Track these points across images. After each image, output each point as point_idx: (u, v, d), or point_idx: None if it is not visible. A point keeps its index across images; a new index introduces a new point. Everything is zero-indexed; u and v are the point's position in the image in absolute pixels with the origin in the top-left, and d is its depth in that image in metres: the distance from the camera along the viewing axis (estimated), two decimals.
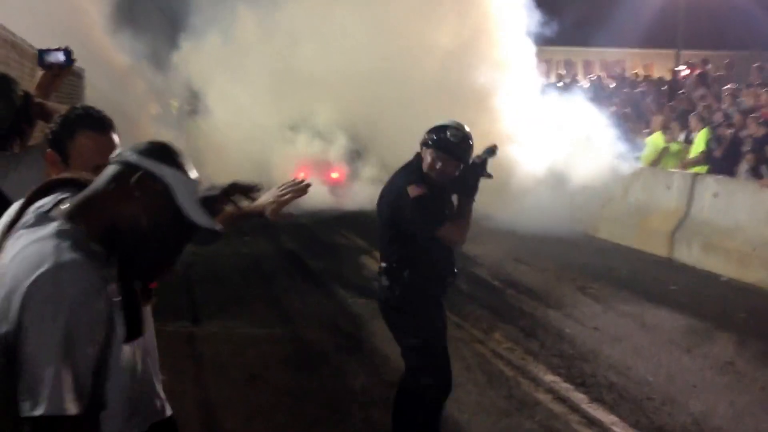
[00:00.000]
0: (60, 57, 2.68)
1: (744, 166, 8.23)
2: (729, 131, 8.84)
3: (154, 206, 1.39)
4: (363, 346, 5.45)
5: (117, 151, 1.48)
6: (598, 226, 9.62)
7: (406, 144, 12.08)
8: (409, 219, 3.23)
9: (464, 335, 5.63)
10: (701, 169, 9.15)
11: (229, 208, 2.12)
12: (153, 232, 1.40)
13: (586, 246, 9.14)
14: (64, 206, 1.40)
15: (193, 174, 1.46)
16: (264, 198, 2.41)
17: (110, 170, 1.42)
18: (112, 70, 11.32)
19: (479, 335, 5.65)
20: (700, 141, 9.28)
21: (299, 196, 2.47)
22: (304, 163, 12.42)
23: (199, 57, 12.46)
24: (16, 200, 1.59)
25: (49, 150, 2.00)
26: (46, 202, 1.44)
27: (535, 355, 5.20)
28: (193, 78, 12.60)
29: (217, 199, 1.92)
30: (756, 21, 19.32)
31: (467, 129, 3.32)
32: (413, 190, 3.20)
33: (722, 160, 8.75)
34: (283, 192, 2.42)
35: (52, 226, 1.34)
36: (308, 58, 12.21)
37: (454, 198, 3.41)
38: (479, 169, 3.29)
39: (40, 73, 2.69)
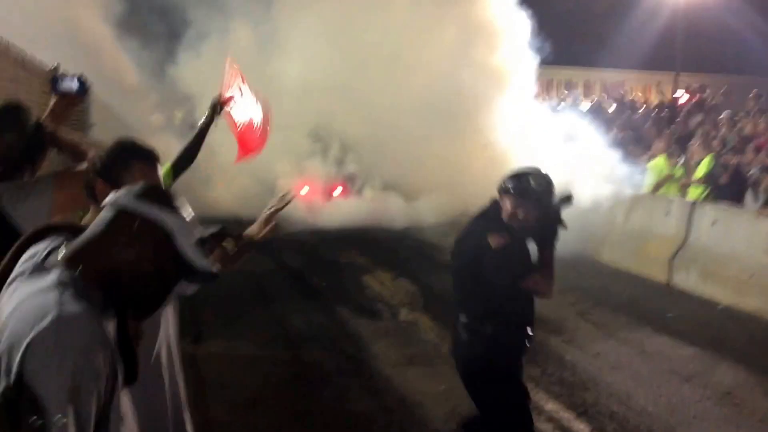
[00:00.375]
0: (74, 85, 2.62)
1: (750, 195, 8.30)
2: (734, 160, 8.93)
3: (153, 252, 1.41)
4: (365, 369, 5.48)
5: (111, 195, 1.47)
6: (598, 249, 9.68)
7: (400, 159, 12.14)
8: (493, 270, 3.04)
9: None
10: (700, 190, 9.30)
11: (218, 252, 2.23)
12: (151, 276, 1.43)
13: (586, 270, 9.18)
14: (61, 254, 1.41)
15: (189, 215, 1.49)
16: (253, 228, 2.49)
17: (107, 215, 1.42)
18: (116, 81, 11.34)
19: None
20: (703, 167, 9.39)
21: (283, 208, 2.55)
22: (306, 180, 12.50)
23: (199, 69, 12.51)
24: (26, 229, 1.62)
25: (99, 180, 2.01)
26: (38, 250, 1.45)
27: (537, 382, 5.23)
28: (193, 90, 12.64)
29: (208, 240, 2.03)
30: (752, 47, 19.63)
31: (548, 175, 3.20)
32: (495, 240, 3.03)
33: (727, 188, 8.84)
34: (268, 215, 2.49)
35: (51, 277, 1.34)
36: (298, 72, 12.33)
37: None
38: (556, 216, 3.13)
39: (53, 100, 2.63)
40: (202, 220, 1.55)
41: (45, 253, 1.43)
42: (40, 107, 4.87)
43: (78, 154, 2.40)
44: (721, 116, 10.83)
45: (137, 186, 1.47)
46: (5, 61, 4.40)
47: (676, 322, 6.92)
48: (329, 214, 11.89)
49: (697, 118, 11.78)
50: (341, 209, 12.13)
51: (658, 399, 5.04)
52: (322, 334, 6.28)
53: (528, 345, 3.29)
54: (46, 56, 5.80)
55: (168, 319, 2.35)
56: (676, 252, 8.38)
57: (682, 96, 14.19)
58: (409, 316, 6.89)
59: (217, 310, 6.67)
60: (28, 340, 1.24)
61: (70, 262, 1.38)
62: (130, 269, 1.40)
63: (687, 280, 8.11)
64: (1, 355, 1.27)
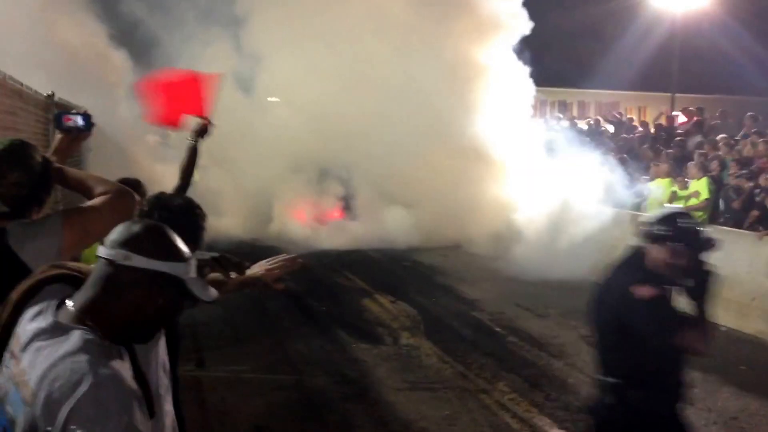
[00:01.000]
0: (79, 121, 2.58)
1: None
2: (748, 184, 8.95)
3: (163, 298, 1.48)
4: (368, 394, 5.45)
5: (114, 245, 1.46)
6: (600, 272, 9.67)
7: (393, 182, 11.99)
8: (642, 324, 2.75)
9: (469, 385, 5.64)
10: (701, 215, 9.30)
11: (216, 276, 2.29)
12: (160, 314, 1.50)
13: (587, 293, 9.16)
14: (70, 310, 1.44)
15: (188, 252, 1.53)
16: (255, 269, 2.55)
17: (111, 271, 1.44)
18: (109, 105, 11.32)
19: (484, 385, 5.66)
20: (703, 189, 9.44)
21: (290, 269, 2.64)
22: (304, 204, 12.52)
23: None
24: (34, 268, 1.63)
25: None
26: (43, 306, 1.46)
27: (540, 407, 5.21)
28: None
29: (207, 264, 2.07)
30: (745, 67, 19.93)
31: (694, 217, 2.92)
32: (643, 291, 2.74)
33: (738, 213, 8.88)
34: (275, 265, 2.58)
35: (74, 340, 1.36)
36: (291, 99, 12.39)
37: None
38: (705, 260, 2.81)
39: (57, 136, 2.60)
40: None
41: (53, 308, 1.46)
42: (36, 136, 4.87)
43: (85, 191, 2.40)
44: (719, 138, 10.90)
45: (140, 234, 1.48)
46: (2, 93, 4.36)
47: None
48: (327, 237, 11.88)
49: (696, 139, 11.86)
50: (339, 232, 12.11)
51: None
52: (324, 359, 6.24)
53: (679, 409, 2.89)
54: (41, 81, 5.80)
55: (159, 344, 2.36)
56: None
57: (679, 116, 14.28)
58: (411, 340, 6.86)
59: (220, 335, 6.65)
60: (69, 407, 1.27)
61: (87, 320, 1.42)
62: (144, 316, 1.47)
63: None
64: (37, 420, 1.29)
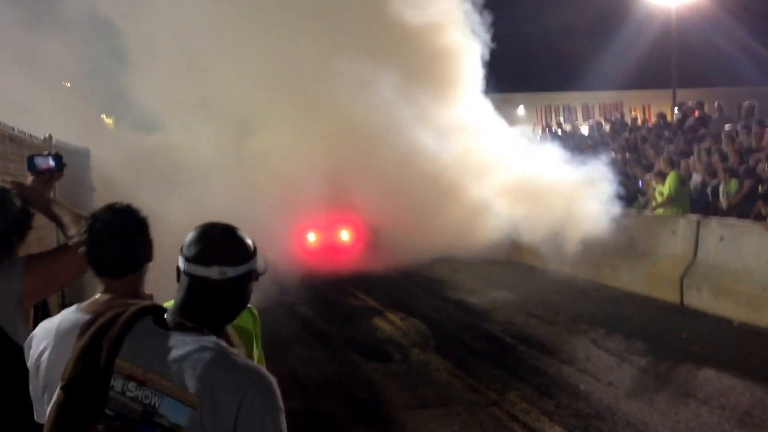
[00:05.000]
0: (50, 162, 2.66)
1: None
2: (749, 180, 8.93)
3: (250, 286, 1.72)
4: (378, 415, 5.46)
5: (203, 262, 1.62)
6: (607, 274, 9.64)
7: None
8: None
9: (479, 398, 5.63)
10: (671, 211, 9.43)
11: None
12: (248, 297, 1.74)
13: (595, 295, 9.14)
14: (183, 322, 1.62)
15: (252, 244, 1.72)
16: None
17: (211, 286, 1.62)
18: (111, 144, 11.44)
19: (494, 397, 5.64)
20: (667, 185, 9.55)
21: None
22: (311, 225, 12.34)
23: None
24: None
25: None
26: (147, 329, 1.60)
27: (551, 416, 5.19)
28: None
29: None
30: (740, 60, 20.02)
31: None
32: None
33: (741, 205, 8.85)
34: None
35: (209, 340, 1.59)
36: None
37: None
38: None
39: (30, 178, 2.66)
40: None
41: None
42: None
43: (60, 226, 2.45)
44: (722, 130, 10.86)
45: (224, 253, 1.64)
46: None
47: (691, 343, 6.85)
48: (341, 265, 11.72)
49: (700, 132, 11.82)
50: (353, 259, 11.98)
51: (676, 425, 4.97)
52: (334, 382, 6.27)
53: None
54: (38, 126, 5.92)
55: None
56: (686, 271, 8.33)
57: (681, 114, 14.23)
58: (421, 357, 6.86)
59: None
60: (239, 401, 1.49)
61: (204, 329, 1.61)
62: (241, 308, 1.72)
63: (700, 299, 8.04)
64: (202, 396, 1.49)
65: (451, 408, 5.46)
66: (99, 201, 8.43)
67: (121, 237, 1.97)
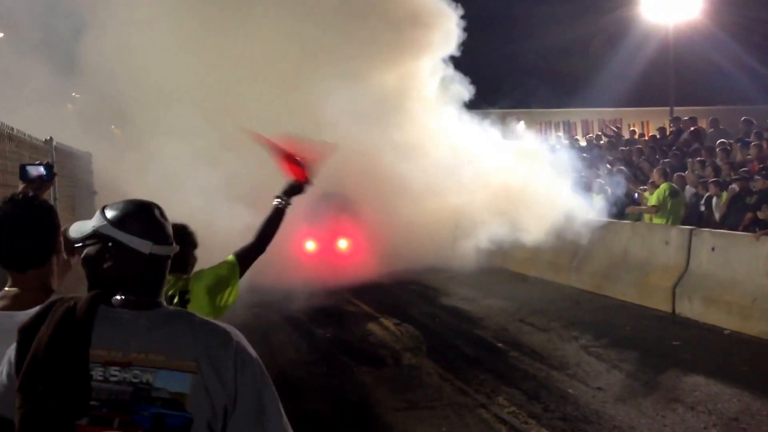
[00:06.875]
0: (41, 170, 2.72)
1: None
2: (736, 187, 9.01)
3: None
4: (367, 416, 5.49)
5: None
6: (601, 283, 9.68)
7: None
8: None
9: (468, 401, 5.66)
10: (660, 220, 9.70)
11: None
12: None
13: (588, 304, 9.17)
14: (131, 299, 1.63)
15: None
16: None
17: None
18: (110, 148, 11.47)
19: (483, 400, 5.67)
20: (655, 195, 9.81)
21: None
22: (309, 232, 12.30)
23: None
24: None
25: None
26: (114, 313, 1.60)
27: (538, 419, 5.22)
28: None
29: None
30: (737, 78, 20.24)
31: None
32: None
33: (727, 217, 8.92)
34: None
35: (173, 310, 1.66)
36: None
37: None
38: None
39: (21, 186, 2.69)
40: None
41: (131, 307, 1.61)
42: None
43: None
44: (719, 142, 10.96)
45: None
46: None
47: (681, 351, 6.88)
48: (338, 273, 11.71)
49: (693, 146, 11.91)
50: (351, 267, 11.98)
51: (662, 429, 5.00)
52: (326, 386, 6.29)
53: None
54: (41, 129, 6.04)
55: None
56: (678, 280, 8.37)
57: (675, 128, 14.35)
58: (413, 360, 6.90)
59: None
60: (233, 356, 1.55)
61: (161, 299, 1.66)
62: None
63: (691, 308, 8.08)
64: (200, 360, 1.52)
65: (439, 410, 5.49)
66: (100, 204, 8.51)
67: (21, 230, 1.87)
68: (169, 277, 2.86)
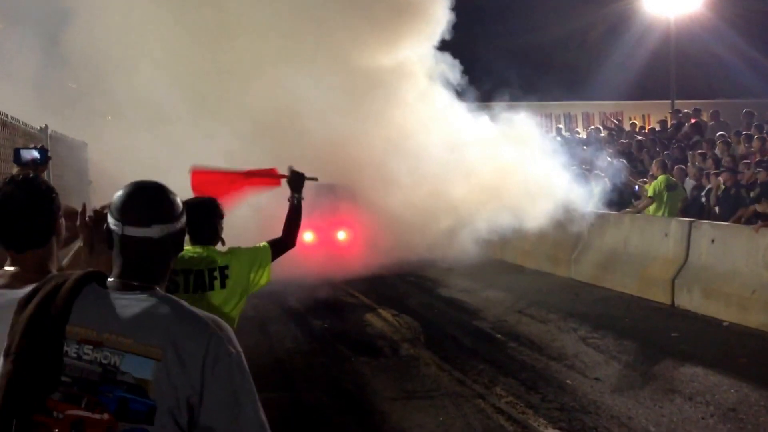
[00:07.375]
0: (35, 154, 2.75)
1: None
2: (729, 180, 8.98)
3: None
4: (364, 406, 5.48)
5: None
6: (600, 275, 9.66)
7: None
8: None
9: (465, 391, 5.65)
10: (657, 211, 9.65)
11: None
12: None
13: (588, 296, 9.16)
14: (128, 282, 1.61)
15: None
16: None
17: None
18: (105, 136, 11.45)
19: (480, 390, 5.66)
20: (652, 187, 9.76)
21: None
22: (307, 223, 12.24)
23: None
24: None
25: None
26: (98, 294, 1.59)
27: (536, 409, 5.21)
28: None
29: None
30: (740, 71, 20.14)
31: None
32: None
33: (723, 208, 8.89)
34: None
35: (153, 297, 1.60)
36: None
37: None
38: None
39: (15, 170, 2.70)
40: None
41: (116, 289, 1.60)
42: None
43: None
44: (718, 134, 10.93)
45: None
46: None
47: (680, 342, 6.87)
48: (337, 265, 11.70)
49: (694, 139, 11.88)
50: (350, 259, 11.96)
51: (659, 419, 4.99)
52: (323, 375, 6.28)
53: None
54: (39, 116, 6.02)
55: None
56: (678, 272, 8.35)
57: (676, 120, 14.30)
58: (410, 351, 6.88)
59: None
60: (204, 350, 1.50)
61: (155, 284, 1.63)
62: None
63: (690, 300, 8.06)
64: (165, 348, 1.48)
65: (437, 400, 5.48)
66: (95, 193, 8.50)
67: (21, 211, 1.87)
68: (198, 249, 2.93)
